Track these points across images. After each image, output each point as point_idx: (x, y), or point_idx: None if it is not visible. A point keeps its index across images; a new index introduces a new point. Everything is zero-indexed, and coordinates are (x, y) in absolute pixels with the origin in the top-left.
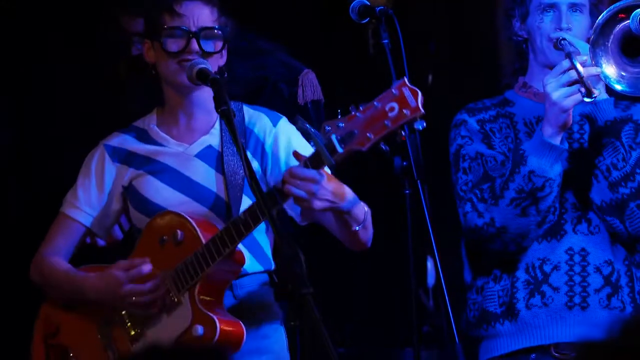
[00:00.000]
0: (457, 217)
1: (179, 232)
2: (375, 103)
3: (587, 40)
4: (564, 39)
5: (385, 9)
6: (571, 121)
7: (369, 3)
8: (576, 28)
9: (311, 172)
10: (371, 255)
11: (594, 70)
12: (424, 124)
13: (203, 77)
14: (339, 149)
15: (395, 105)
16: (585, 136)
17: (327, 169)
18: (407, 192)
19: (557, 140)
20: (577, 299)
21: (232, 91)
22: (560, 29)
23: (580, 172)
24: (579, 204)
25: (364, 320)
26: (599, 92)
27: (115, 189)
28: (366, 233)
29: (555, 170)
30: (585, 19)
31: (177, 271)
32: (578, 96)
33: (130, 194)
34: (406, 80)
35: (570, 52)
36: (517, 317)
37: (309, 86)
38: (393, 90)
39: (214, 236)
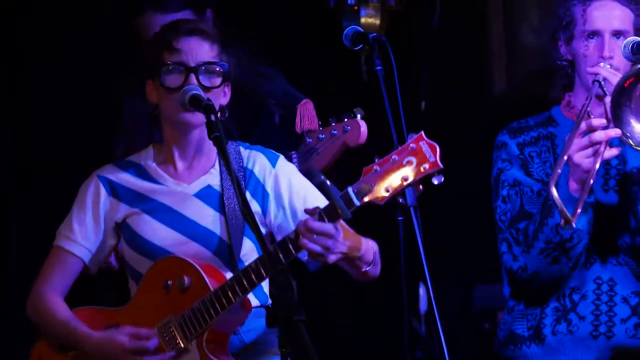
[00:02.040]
0: (448, 243)
1: (185, 278)
2: (392, 157)
3: (633, 64)
4: (597, 78)
5: (378, 36)
6: (594, 178)
7: (362, 30)
8: (619, 55)
9: (328, 227)
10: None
11: (613, 132)
12: (442, 179)
13: (196, 103)
14: (356, 203)
15: (413, 159)
16: (611, 172)
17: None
18: (400, 218)
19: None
20: (602, 329)
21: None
22: (603, 57)
23: (607, 211)
24: (608, 236)
25: (356, 346)
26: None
27: (109, 223)
28: (375, 269)
29: (582, 221)
30: None
31: (184, 318)
32: (598, 158)
33: (125, 232)
34: (423, 134)
35: (589, 122)
36: (544, 341)
37: (307, 116)
38: (411, 145)
39: (224, 284)
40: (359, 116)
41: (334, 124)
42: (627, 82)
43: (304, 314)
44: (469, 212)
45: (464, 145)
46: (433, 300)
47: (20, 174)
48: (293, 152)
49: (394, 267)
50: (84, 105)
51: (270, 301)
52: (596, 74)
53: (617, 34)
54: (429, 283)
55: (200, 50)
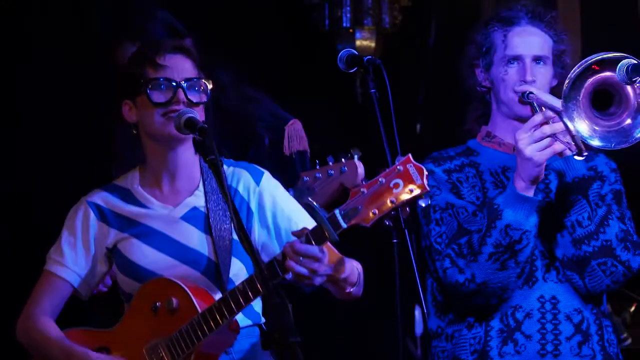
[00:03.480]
0: None
1: (173, 299)
2: (379, 179)
3: (551, 91)
4: (531, 92)
5: (372, 59)
6: (543, 174)
7: (357, 53)
8: (540, 80)
9: (314, 250)
10: (359, 304)
11: (570, 124)
12: (429, 201)
13: (191, 126)
14: (343, 225)
15: (400, 181)
16: (552, 186)
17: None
18: (395, 241)
19: (530, 193)
20: (549, 347)
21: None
22: (525, 82)
23: (547, 224)
24: (547, 253)
25: None
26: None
27: (100, 249)
28: (359, 289)
29: (530, 222)
30: (548, 71)
31: (172, 339)
32: (550, 150)
33: (116, 257)
34: (410, 156)
35: (560, 112)
36: None
37: (295, 137)
38: (398, 167)
39: (212, 306)
40: (356, 157)
41: (331, 164)
42: (579, 75)
43: (300, 335)
44: None
45: None
46: (428, 323)
47: (20, 174)
48: (290, 189)
49: (389, 289)
50: (84, 105)
51: (262, 320)
52: (526, 92)
53: (538, 59)
54: (424, 305)
55: (185, 67)
